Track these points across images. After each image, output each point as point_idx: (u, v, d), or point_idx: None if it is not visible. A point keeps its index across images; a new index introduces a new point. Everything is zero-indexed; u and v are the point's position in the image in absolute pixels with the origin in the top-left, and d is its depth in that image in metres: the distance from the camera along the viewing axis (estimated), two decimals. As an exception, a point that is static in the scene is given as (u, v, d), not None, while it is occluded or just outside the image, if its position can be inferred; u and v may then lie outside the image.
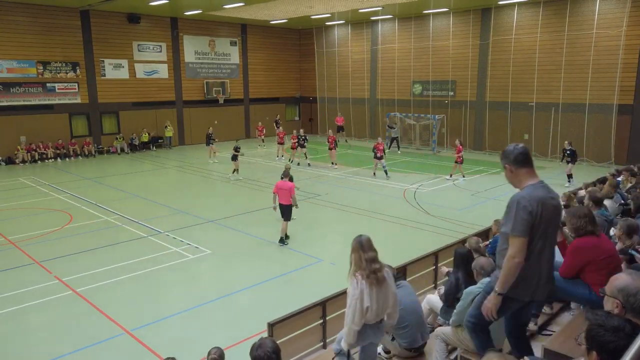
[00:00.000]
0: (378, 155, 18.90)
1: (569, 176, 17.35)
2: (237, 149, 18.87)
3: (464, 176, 19.17)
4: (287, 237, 11.80)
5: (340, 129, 29.93)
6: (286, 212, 11.50)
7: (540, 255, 3.42)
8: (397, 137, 26.65)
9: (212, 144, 23.48)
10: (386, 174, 18.98)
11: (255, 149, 27.25)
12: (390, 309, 4.16)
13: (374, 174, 19.45)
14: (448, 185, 17.98)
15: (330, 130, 22.76)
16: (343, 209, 14.77)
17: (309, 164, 21.80)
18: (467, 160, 22.94)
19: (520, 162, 3.45)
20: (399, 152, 26.09)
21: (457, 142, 19.30)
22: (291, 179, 12.01)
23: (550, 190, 3.49)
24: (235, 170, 19.13)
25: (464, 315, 4.49)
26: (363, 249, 4.05)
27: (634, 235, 5.16)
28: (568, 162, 17.58)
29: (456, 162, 18.86)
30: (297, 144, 22.03)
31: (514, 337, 3.93)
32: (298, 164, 21.75)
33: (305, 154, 21.99)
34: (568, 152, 17.63)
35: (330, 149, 21.50)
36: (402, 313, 4.77)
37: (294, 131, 23.68)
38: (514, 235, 3.33)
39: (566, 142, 18.27)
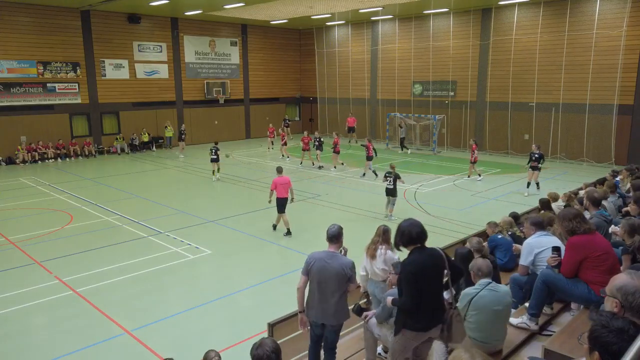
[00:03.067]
0: (368, 155, 18.68)
1: (538, 184, 16.16)
2: (214, 151, 18.94)
3: (470, 175, 19.02)
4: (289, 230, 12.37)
5: (351, 129, 29.68)
6: (284, 205, 12.19)
7: (316, 293, 5.09)
8: (403, 137, 26.32)
9: (184, 140, 25.04)
10: (375, 174, 18.76)
11: (257, 148, 27.27)
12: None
13: (364, 174, 19.29)
14: (448, 186, 17.97)
15: (334, 133, 22.53)
16: (343, 209, 14.77)
17: (320, 166, 21.38)
18: (466, 161, 22.97)
19: (328, 239, 5.21)
20: (409, 152, 25.69)
21: (471, 141, 19.18)
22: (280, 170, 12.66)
23: (330, 257, 5.08)
24: (214, 171, 19.21)
25: (462, 317, 4.49)
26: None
27: (636, 234, 5.18)
28: (534, 169, 16.04)
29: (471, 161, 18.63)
30: (308, 145, 21.81)
31: (316, 350, 5.31)
32: (314, 164, 21.68)
33: (317, 156, 21.74)
34: (537, 156, 16.01)
35: (335, 152, 20.66)
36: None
37: (305, 132, 23.13)
38: (301, 272, 5.17)
39: (534, 145, 16.80)
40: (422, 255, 4.15)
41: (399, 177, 13.52)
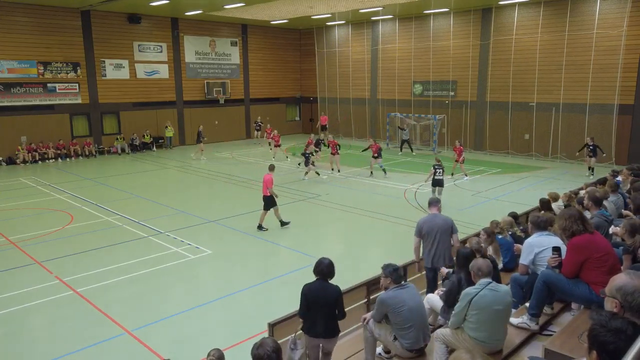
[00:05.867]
0: (374, 155, 19.15)
1: (593, 169, 18.74)
2: (306, 155, 18.98)
3: (467, 175, 19.26)
4: (261, 226, 12.66)
5: (323, 128, 30.65)
6: (265, 201, 12.54)
7: (430, 245, 7.06)
8: (408, 139, 25.86)
9: (202, 142, 24.20)
10: (384, 172, 19.27)
11: (258, 148, 27.28)
12: None
13: (371, 173, 19.56)
14: (448, 186, 17.95)
15: (330, 135, 22.56)
16: (343, 209, 14.77)
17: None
18: (468, 160, 22.96)
19: (428, 206, 7.40)
20: (414, 153, 25.46)
21: (456, 142, 19.59)
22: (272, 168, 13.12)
23: (434, 217, 7.11)
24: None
25: (462, 317, 4.49)
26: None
27: (637, 234, 5.16)
28: (591, 157, 18.82)
29: (457, 161, 19.04)
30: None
31: (434, 284, 7.07)
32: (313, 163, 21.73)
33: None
34: (591, 147, 18.81)
35: (332, 153, 20.12)
36: (407, 314, 4.76)
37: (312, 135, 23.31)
38: (414, 235, 7.28)
39: (588, 138, 19.41)
40: (319, 285, 5.23)
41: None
